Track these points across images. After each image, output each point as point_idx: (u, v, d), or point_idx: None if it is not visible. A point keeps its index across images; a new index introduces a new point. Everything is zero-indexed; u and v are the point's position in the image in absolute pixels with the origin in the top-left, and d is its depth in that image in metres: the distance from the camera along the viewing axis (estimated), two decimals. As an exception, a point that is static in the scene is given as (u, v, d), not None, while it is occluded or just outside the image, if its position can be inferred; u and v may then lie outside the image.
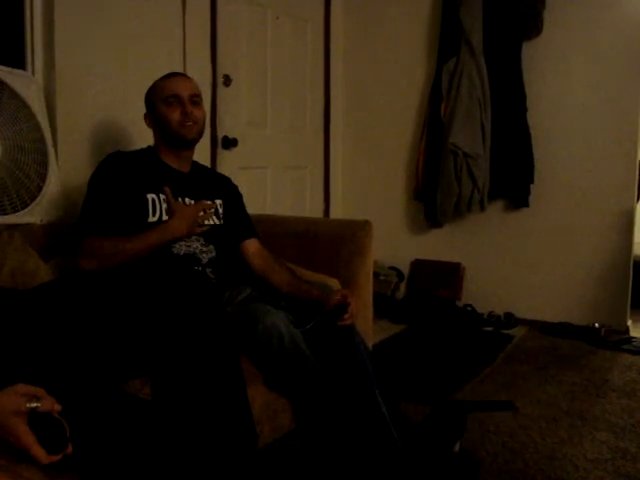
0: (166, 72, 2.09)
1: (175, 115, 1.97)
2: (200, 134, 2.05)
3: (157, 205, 1.91)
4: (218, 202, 2.11)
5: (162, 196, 1.92)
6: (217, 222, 2.07)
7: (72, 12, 2.35)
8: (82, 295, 1.49)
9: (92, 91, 2.44)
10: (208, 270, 1.96)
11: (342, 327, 1.86)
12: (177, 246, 1.90)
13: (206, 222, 1.97)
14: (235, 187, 2.24)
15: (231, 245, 2.10)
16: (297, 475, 1.75)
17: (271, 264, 2.08)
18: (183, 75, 2.12)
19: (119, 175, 1.90)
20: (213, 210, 2.05)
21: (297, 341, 1.71)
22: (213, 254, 2.00)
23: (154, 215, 1.90)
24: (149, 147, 2.08)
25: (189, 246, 1.93)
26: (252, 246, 2.12)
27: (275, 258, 2.11)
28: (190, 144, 2.04)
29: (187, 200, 2.00)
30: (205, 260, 1.97)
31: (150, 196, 1.91)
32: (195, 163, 2.13)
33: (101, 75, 2.47)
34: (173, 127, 1.97)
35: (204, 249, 1.98)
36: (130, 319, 1.47)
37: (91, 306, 1.45)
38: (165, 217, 1.91)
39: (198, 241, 1.96)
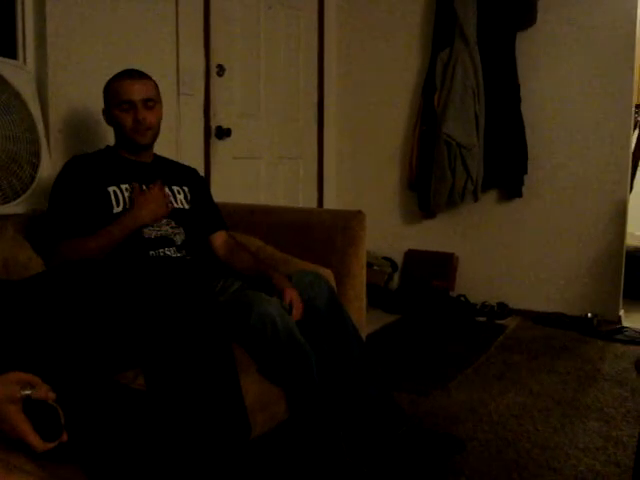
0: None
1: (128, 121, 1.97)
2: (155, 137, 2.06)
3: (119, 196, 1.95)
4: (185, 189, 2.14)
5: (123, 186, 1.96)
6: (185, 206, 2.10)
7: (63, 1, 2.33)
8: (75, 286, 1.49)
9: (84, 80, 2.42)
10: (183, 252, 1.99)
11: (336, 316, 1.91)
12: (147, 230, 1.93)
13: (171, 205, 2.00)
14: (202, 178, 2.29)
15: (200, 231, 2.13)
16: (290, 465, 1.75)
17: (235, 252, 2.12)
18: (138, 76, 2.00)
19: (78, 177, 1.93)
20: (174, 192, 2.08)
21: (291, 329, 1.71)
22: (184, 236, 2.03)
23: (118, 206, 1.94)
24: (107, 147, 2.11)
25: (159, 229, 1.97)
26: (219, 238, 2.17)
27: (239, 245, 2.15)
28: (144, 148, 2.06)
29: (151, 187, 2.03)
30: (179, 242, 2.00)
31: (111, 189, 1.94)
32: (157, 155, 2.15)
33: (93, 64, 2.45)
34: (127, 132, 1.99)
35: (176, 231, 2.01)
36: (122, 310, 1.47)
37: (84, 297, 1.45)
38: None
39: (168, 224, 2.00)
